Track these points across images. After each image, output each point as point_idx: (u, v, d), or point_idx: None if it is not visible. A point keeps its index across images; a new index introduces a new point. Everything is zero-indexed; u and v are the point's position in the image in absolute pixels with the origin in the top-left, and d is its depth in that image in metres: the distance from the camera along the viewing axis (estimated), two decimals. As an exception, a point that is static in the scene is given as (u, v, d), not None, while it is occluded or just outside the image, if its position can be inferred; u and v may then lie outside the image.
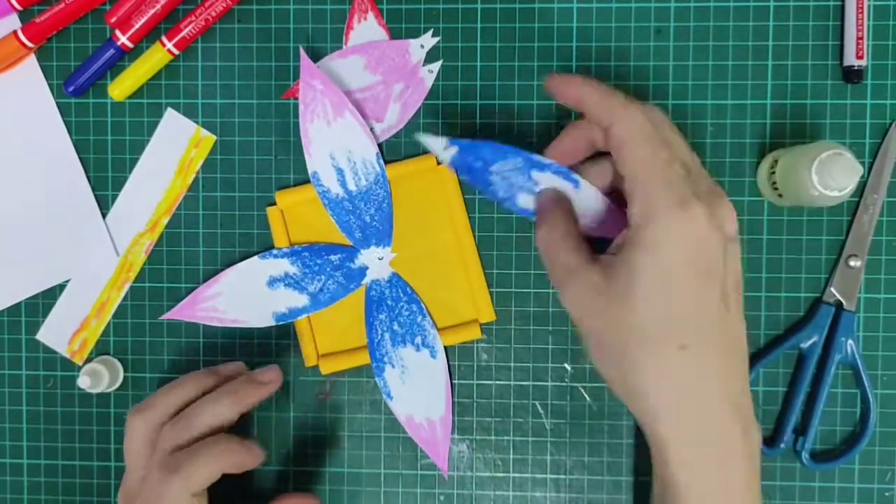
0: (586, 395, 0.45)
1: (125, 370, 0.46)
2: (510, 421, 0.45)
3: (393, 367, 0.44)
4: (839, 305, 0.43)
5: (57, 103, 0.46)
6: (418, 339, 0.44)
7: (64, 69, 0.46)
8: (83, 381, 0.43)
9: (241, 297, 0.44)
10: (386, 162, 0.43)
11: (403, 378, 0.44)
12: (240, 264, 0.44)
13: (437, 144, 0.38)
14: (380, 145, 0.45)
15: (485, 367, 0.45)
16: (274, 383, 0.41)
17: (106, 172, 0.46)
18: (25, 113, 0.46)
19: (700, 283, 0.33)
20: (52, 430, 0.47)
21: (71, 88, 0.45)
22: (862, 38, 0.42)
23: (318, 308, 0.44)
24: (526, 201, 0.39)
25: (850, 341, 0.43)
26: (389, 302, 0.44)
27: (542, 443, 0.45)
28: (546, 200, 0.38)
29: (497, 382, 0.45)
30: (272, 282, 0.44)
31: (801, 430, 0.44)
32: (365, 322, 0.44)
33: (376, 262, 0.44)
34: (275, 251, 0.44)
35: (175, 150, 0.46)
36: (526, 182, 0.39)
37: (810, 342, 0.43)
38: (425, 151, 0.44)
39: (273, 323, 0.44)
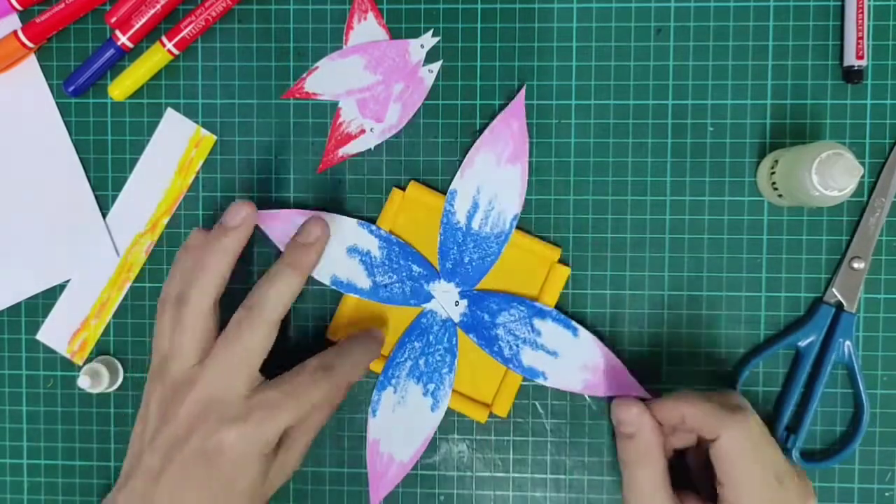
0: (586, 396, 0.45)
1: (125, 370, 0.46)
2: (510, 421, 0.45)
3: (395, 392, 0.44)
4: (839, 306, 0.43)
5: (57, 103, 0.46)
6: (431, 386, 0.43)
7: (64, 69, 0.46)
8: (83, 382, 0.43)
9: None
10: (517, 227, 0.43)
11: (396, 408, 0.44)
12: (338, 216, 0.44)
13: (449, 299, 0.43)
14: (380, 145, 0.45)
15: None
16: (321, 238, 0.41)
17: (106, 172, 0.46)
18: (25, 113, 0.46)
19: None
20: (52, 430, 0.47)
21: (71, 88, 0.45)
22: (862, 38, 0.42)
23: (372, 298, 0.44)
24: (530, 357, 0.43)
25: (847, 343, 0.43)
26: (431, 338, 0.44)
27: (542, 443, 0.45)
28: (636, 420, 0.39)
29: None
30: (352, 250, 0.43)
31: (792, 429, 0.44)
32: (398, 339, 0.44)
33: (447, 298, 0.43)
34: (374, 226, 0.44)
35: (175, 150, 0.46)
36: (529, 333, 0.43)
37: (808, 341, 0.43)
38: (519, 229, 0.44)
39: (327, 283, 0.43)
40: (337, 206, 0.45)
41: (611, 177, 0.44)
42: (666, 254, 0.44)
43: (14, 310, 0.47)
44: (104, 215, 0.46)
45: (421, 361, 0.43)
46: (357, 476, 0.46)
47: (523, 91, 0.43)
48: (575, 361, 0.43)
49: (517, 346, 0.43)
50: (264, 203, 0.45)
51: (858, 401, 0.43)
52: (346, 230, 0.44)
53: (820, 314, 0.43)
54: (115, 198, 0.46)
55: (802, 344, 0.43)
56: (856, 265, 0.43)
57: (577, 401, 0.45)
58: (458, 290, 0.43)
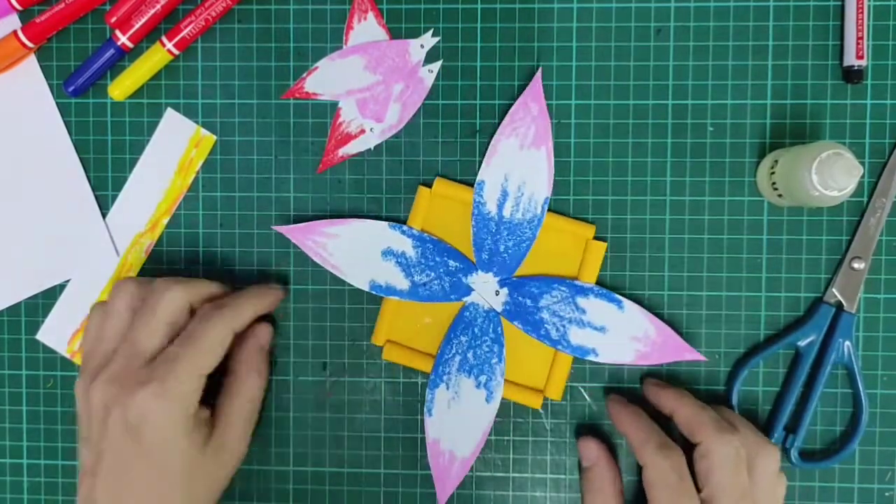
0: (586, 395, 0.45)
1: (125, 370, 0.46)
2: (510, 421, 0.45)
3: (447, 388, 0.43)
4: (839, 306, 0.43)
5: (57, 103, 0.46)
6: (483, 378, 0.43)
7: (64, 69, 0.46)
8: (83, 381, 0.43)
9: (354, 250, 0.44)
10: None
11: (451, 404, 0.43)
12: (368, 220, 0.44)
13: (489, 290, 0.43)
14: (379, 145, 0.45)
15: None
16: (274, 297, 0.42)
17: (106, 172, 0.46)
18: (25, 113, 0.46)
19: None
20: (52, 430, 0.47)
21: (71, 88, 0.45)
22: (862, 38, 0.42)
23: (412, 298, 0.43)
24: (578, 336, 0.43)
25: (847, 343, 0.43)
26: (476, 330, 0.43)
27: (542, 443, 0.45)
28: (594, 456, 0.42)
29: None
30: (386, 253, 0.43)
31: (791, 429, 0.44)
32: (444, 335, 0.44)
33: (486, 289, 0.43)
34: (405, 227, 0.43)
35: (175, 150, 0.46)
36: (574, 312, 0.42)
37: (807, 341, 0.43)
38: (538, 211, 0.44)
39: (367, 289, 0.43)
40: (337, 206, 0.45)
41: (611, 177, 0.44)
42: (666, 254, 0.44)
43: (14, 310, 0.47)
44: (104, 215, 0.46)
45: (469, 355, 0.43)
46: (355, 476, 0.46)
47: (539, 73, 0.43)
48: (624, 334, 0.42)
49: (563, 326, 0.42)
50: (264, 203, 0.45)
51: (858, 401, 0.43)
52: (378, 234, 0.44)
53: (820, 314, 0.43)
54: (115, 198, 0.46)
55: (802, 344, 0.43)
56: (856, 265, 0.43)
57: (577, 400, 0.45)
58: (497, 279, 0.43)
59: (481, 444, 0.43)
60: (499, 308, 0.43)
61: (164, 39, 0.44)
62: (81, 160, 0.46)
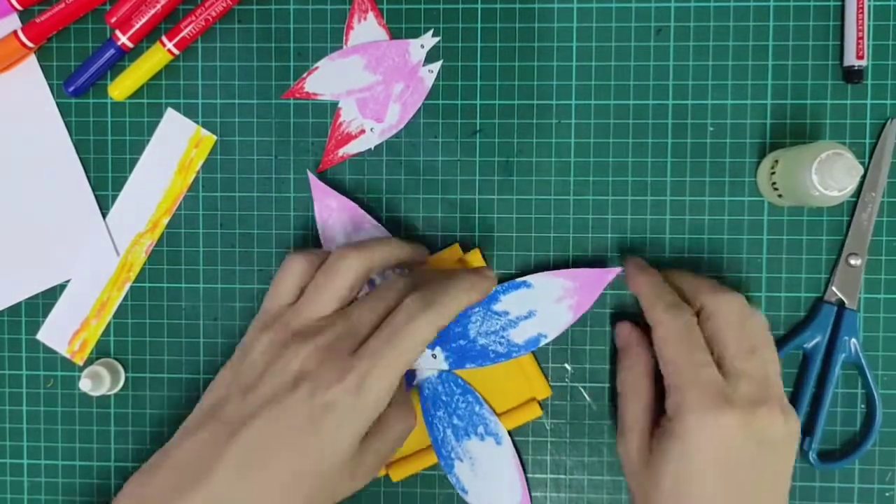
0: (586, 395, 0.45)
1: (125, 370, 0.46)
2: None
3: (461, 461, 0.43)
4: (841, 304, 0.43)
5: (57, 103, 0.46)
6: (480, 429, 0.43)
7: (64, 69, 0.46)
8: (84, 384, 0.43)
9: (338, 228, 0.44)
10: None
11: (475, 470, 0.43)
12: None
13: (424, 360, 0.43)
14: (379, 145, 0.45)
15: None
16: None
17: (106, 172, 0.46)
18: (25, 113, 0.46)
19: (724, 486, 0.35)
20: (52, 430, 0.47)
21: (71, 88, 0.45)
22: (862, 38, 0.42)
23: None
24: (520, 335, 0.42)
25: (853, 340, 0.43)
26: (444, 398, 0.43)
27: (542, 443, 0.45)
28: (626, 336, 0.42)
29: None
30: None
31: (807, 431, 0.43)
32: (424, 421, 0.43)
33: (424, 360, 0.43)
34: None
35: (175, 150, 0.46)
36: (499, 319, 0.42)
37: (814, 342, 0.43)
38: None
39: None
40: (337, 206, 0.45)
41: (611, 177, 0.44)
42: (666, 254, 0.44)
43: (14, 310, 0.47)
44: (104, 215, 0.46)
45: (455, 421, 0.43)
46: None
47: (311, 176, 0.44)
48: (549, 303, 0.42)
49: (503, 337, 0.42)
50: (264, 203, 0.45)
51: (870, 398, 0.43)
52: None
53: (822, 314, 0.43)
54: (115, 198, 0.46)
55: (808, 346, 0.43)
56: (853, 261, 0.43)
57: (577, 400, 0.45)
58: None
59: (524, 482, 0.44)
60: (445, 367, 0.43)
61: (164, 39, 0.44)
62: (81, 160, 0.46)
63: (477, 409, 0.43)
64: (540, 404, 0.44)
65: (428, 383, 0.43)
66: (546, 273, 0.42)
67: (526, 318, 0.42)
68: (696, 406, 0.35)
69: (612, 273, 0.42)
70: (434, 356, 0.43)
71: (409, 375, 0.43)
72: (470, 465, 0.43)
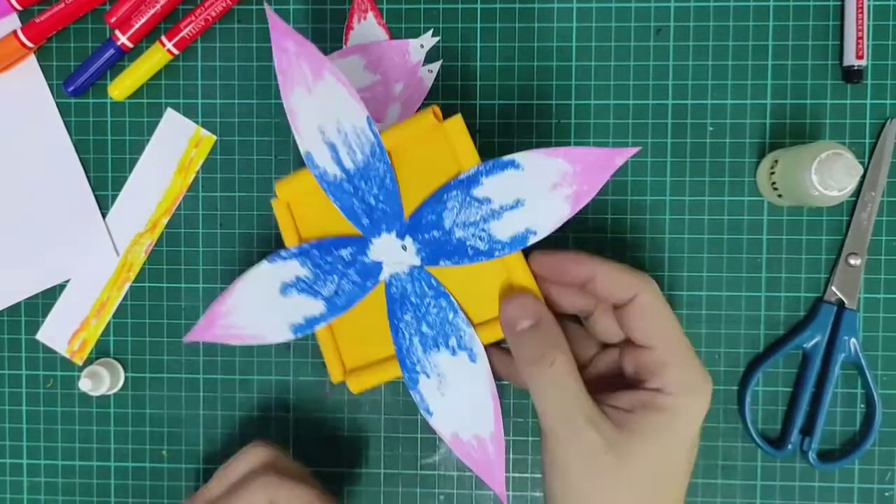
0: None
1: (125, 370, 0.46)
2: (510, 421, 0.45)
3: (428, 376, 0.37)
4: (841, 304, 0.43)
5: (57, 103, 0.46)
6: (453, 342, 0.36)
7: (64, 69, 0.46)
8: (84, 384, 0.43)
9: (257, 308, 0.38)
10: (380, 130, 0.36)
11: (442, 389, 0.37)
12: (248, 271, 0.38)
13: (394, 250, 0.37)
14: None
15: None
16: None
17: (106, 172, 0.46)
18: (25, 113, 0.46)
19: (688, 466, 0.34)
20: (52, 430, 0.47)
21: (71, 88, 0.45)
22: (862, 38, 0.42)
23: (336, 314, 0.38)
24: (504, 229, 0.35)
25: (853, 340, 0.43)
26: (413, 299, 0.37)
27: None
28: (526, 314, 0.35)
29: (497, 383, 0.45)
30: (285, 288, 0.38)
31: (807, 431, 0.43)
32: (390, 325, 0.37)
33: (392, 252, 0.37)
34: (282, 252, 0.38)
35: (175, 150, 0.46)
36: (480, 207, 0.35)
37: (813, 342, 0.43)
38: None
39: (292, 336, 0.38)
40: (337, 206, 0.45)
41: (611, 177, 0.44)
42: (666, 254, 0.44)
43: (14, 310, 0.47)
44: (104, 215, 0.46)
45: (424, 327, 0.37)
46: (357, 476, 0.46)
47: (268, 9, 0.37)
48: (542, 190, 0.35)
49: (484, 230, 0.35)
50: (264, 203, 0.45)
51: (870, 398, 0.43)
52: (264, 277, 0.38)
53: (822, 314, 0.43)
54: (115, 198, 0.46)
55: (808, 346, 0.43)
56: (852, 261, 0.43)
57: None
58: (393, 233, 0.37)
59: (497, 410, 0.36)
60: (417, 261, 0.37)
61: (164, 39, 0.44)
62: (81, 160, 0.46)
63: (451, 316, 0.36)
64: None
65: (395, 279, 0.37)
66: (539, 151, 0.34)
67: (512, 208, 0.35)
68: (704, 378, 0.33)
69: (623, 155, 0.34)
70: (404, 247, 0.37)
71: (376, 269, 0.37)
72: (437, 382, 0.37)
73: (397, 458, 0.45)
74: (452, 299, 0.36)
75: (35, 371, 0.47)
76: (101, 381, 0.44)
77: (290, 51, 0.36)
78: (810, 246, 0.44)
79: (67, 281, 0.46)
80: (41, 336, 0.47)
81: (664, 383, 0.33)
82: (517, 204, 0.35)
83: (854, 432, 0.44)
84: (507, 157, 0.35)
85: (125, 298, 0.46)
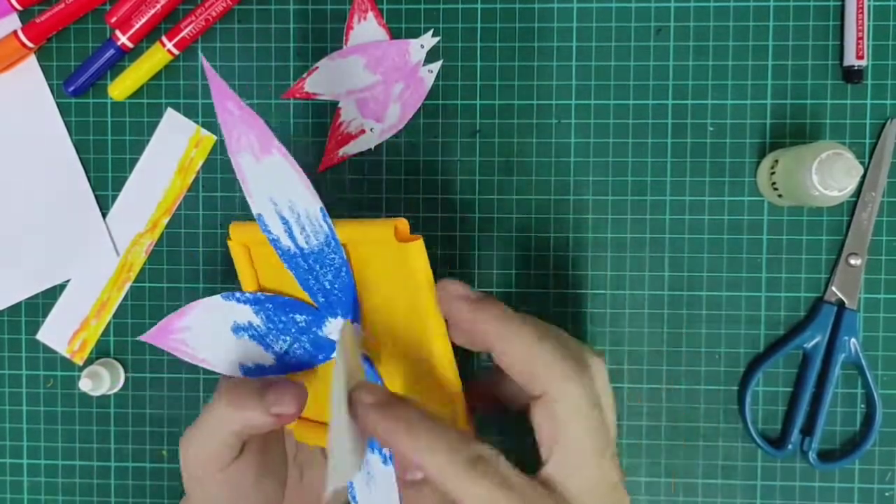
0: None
1: (125, 370, 0.46)
2: (510, 421, 0.45)
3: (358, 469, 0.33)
4: (841, 304, 0.43)
5: (57, 103, 0.46)
6: (386, 451, 0.33)
7: (64, 69, 0.46)
8: (84, 384, 0.43)
9: (210, 338, 0.37)
10: (335, 216, 0.32)
11: (370, 486, 0.34)
12: (205, 300, 0.36)
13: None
14: (379, 145, 0.45)
15: (485, 367, 0.45)
16: (292, 415, 0.32)
17: (106, 172, 0.46)
18: (25, 113, 0.46)
19: None
20: (52, 430, 0.47)
21: (71, 88, 0.45)
22: (862, 38, 0.42)
23: (285, 372, 0.36)
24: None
25: (853, 340, 0.43)
26: None
27: (542, 443, 0.45)
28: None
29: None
30: (237, 329, 0.36)
31: (807, 431, 0.44)
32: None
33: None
34: (238, 294, 0.36)
35: (175, 150, 0.46)
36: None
37: (814, 342, 0.43)
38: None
39: (240, 374, 0.36)
40: (337, 206, 0.45)
41: (611, 177, 0.44)
42: (666, 254, 0.44)
43: (14, 310, 0.47)
44: (104, 215, 0.46)
45: None
46: (357, 476, 0.46)
47: (203, 62, 0.31)
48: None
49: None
50: (264, 203, 0.45)
51: (870, 398, 0.43)
52: (218, 311, 0.36)
53: (822, 314, 0.43)
54: (115, 198, 0.46)
55: (808, 346, 0.43)
56: (853, 261, 0.43)
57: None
58: (349, 320, 0.34)
59: None
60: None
61: (164, 39, 0.44)
62: (81, 160, 0.46)
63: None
64: None
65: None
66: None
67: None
68: (598, 473, 0.29)
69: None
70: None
71: (330, 346, 0.35)
72: (366, 477, 0.34)
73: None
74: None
75: (35, 371, 0.47)
76: (101, 381, 0.44)
77: (235, 114, 0.31)
78: (810, 246, 0.44)
79: (67, 281, 0.46)
80: (41, 336, 0.47)
81: (537, 389, 0.29)
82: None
83: (854, 432, 0.44)
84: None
85: (125, 298, 0.46)
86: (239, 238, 0.36)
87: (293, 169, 0.31)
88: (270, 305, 0.35)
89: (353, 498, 0.35)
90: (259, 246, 0.35)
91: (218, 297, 0.36)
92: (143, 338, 0.38)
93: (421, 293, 0.32)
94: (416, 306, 0.32)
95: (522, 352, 0.28)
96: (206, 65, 0.31)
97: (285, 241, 0.33)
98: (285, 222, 0.32)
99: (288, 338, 0.35)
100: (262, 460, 0.35)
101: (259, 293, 0.36)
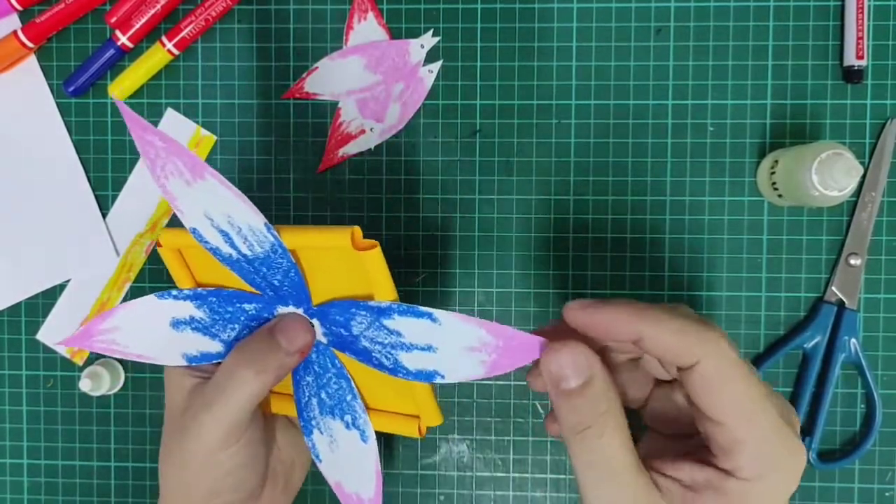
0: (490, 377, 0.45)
1: (125, 370, 0.46)
2: (510, 421, 0.45)
3: (321, 433, 0.37)
4: (841, 304, 0.43)
5: (57, 103, 0.46)
6: (348, 418, 0.36)
7: (64, 69, 0.46)
8: (84, 384, 0.43)
9: (145, 333, 0.36)
10: (279, 222, 0.33)
11: (332, 447, 0.37)
12: (133, 302, 0.36)
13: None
14: (379, 145, 0.45)
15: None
16: (307, 347, 0.34)
17: (106, 172, 0.46)
18: (25, 113, 0.46)
19: None
20: (52, 430, 0.47)
21: (71, 88, 0.45)
22: (862, 38, 0.42)
23: None
24: (412, 360, 0.32)
25: (853, 340, 0.43)
26: (317, 368, 0.36)
27: (542, 443, 0.45)
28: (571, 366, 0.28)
29: (497, 382, 0.45)
30: (177, 324, 0.36)
31: (807, 431, 0.44)
32: (291, 377, 0.37)
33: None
34: (174, 292, 0.35)
35: (175, 150, 0.46)
36: (390, 336, 0.32)
37: (814, 342, 0.43)
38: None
39: (184, 363, 0.36)
40: (337, 206, 0.45)
41: (611, 177, 0.44)
42: (666, 254, 0.44)
43: (14, 310, 0.47)
44: (104, 215, 0.46)
45: (323, 395, 0.36)
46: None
47: (118, 104, 0.31)
48: (456, 348, 0.31)
49: (391, 353, 0.33)
50: (265, 203, 0.45)
51: (870, 398, 0.43)
52: (153, 309, 0.36)
53: (822, 314, 0.43)
54: (115, 198, 0.46)
55: (808, 346, 0.43)
56: (853, 261, 0.43)
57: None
58: (302, 309, 0.34)
59: (380, 484, 0.36)
60: (323, 340, 0.35)
61: (164, 39, 0.44)
62: (81, 160, 0.46)
63: (349, 398, 0.36)
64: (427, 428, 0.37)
65: None
66: (461, 316, 0.31)
67: (423, 349, 0.32)
68: (785, 458, 0.28)
69: (548, 350, 0.29)
70: (311, 324, 0.35)
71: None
72: (329, 440, 0.37)
73: (397, 458, 0.45)
74: (353, 384, 0.36)
75: (35, 371, 0.47)
76: (101, 381, 0.44)
77: (157, 145, 0.31)
78: (810, 246, 0.44)
79: (67, 281, 0.46)
80: (41, 336, 0.47)
81: (736, 465, 0.27)
82: (429, 348, 0.32)
83: (854, 432, 0.44)
84: (424, 309, 0.31)
85: (125, 298, 0.46)
86: (170, 244, 0.36)
87: (229, 190, 0.31)
88: (214, 299, 0.35)
89: (317, 457, 0.37)
90: (193, 248, 0.35)
91: (152, 296, 0.35)
92: (63, 343, 0.37)
93: (381, 295, 0.33)
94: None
95: (670, 328, 0.28)
96: (121, 104, 0.30)
97: (226, 250, 0.33)
98: (225, 234, 0.32)
99: (237, 325, 0.35)
100: (260, 434, 0.36)
101: (198, 289, 0.35)
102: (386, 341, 0.33)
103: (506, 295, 0.45)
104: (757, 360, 0.44)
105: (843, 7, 0.43)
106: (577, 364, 0.28)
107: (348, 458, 0.36)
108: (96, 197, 0.46)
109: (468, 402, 0.45)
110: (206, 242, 0.33)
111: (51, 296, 0.46)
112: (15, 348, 0.47)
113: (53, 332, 0.46)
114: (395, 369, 0.33)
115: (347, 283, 0.33)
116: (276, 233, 0.32)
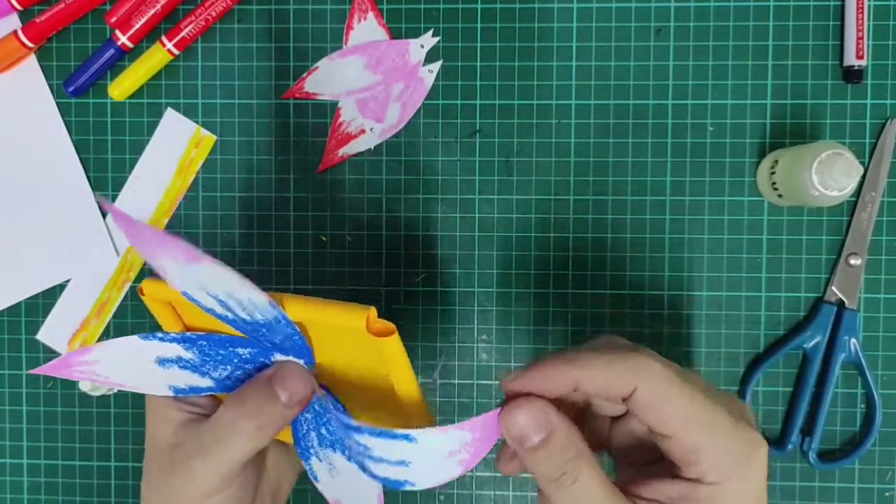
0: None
1: (125, 370, 0.46)
2: (510, 421, 0.45)
3: (320, 461, 0.35)
4: (841, 304, 0.43)
5: (57, 103, 0.46)
6: (349, 452, 0.33)
7: (64, 69, 0.46)
8: (84, 384, 0.43)
9: (128, 367, 0.33)
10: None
11: (332, 474, 0.35)
12: (114, 340, 0.33)
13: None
14: (379, 145, 0.45)
15: (485, 367, 0.45)
16: (304, 401, 0.32)
17: (106, 172, 0.46)
18: (25, 113, 0.46)
19: None
20: (52, 430, 0.47)
21: (71, 88, 0.45)
22: (862, 38, 0.42)
23: (226, 391, 0.34)
24: (379, 469, 0.30)
25: (853, 340, 0.43)
26: (317, 407, 0.34)
27: (542, 443, 0.45)
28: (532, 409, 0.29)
29: (497, 382, 0.45)
30: (163, 361, 0.33)
31: (807, 431, 0.44)
32: None
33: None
34: (159, 334, 0.32)
35: (175, 150, 0.46)
36: (358, 446, 0.30)
37: (814, 342, 0.43)
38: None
39: (170, 393, 0.34)
40: (337, 206, 0.45)
41: (611, 177, 0.44)
42: (666, 254, 0.44)
43: (14, 310, 0.47)
44: (104, 215, 0.46)
45: (323, 431, 0.34)
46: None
47: (105, 204, 0.27)
48: (434, 458, 0.30)
49: (358, 458, 0.31)
50: (264, 203, 0.45)
51: (870, 398, 0.43)
52: (138, 349, 0.33)
53: (822, 314, 0.43)
54: (115, 198, 0.46)
55: (808, 346, 0.43)
56: (853, 261, 0.43)
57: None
58: (302, 361, 0.33)
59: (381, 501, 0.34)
60: (319, 391, 0.33)
61: (164, 39, 0.44)
62: (81, 160, 0.46)
63: (355, 436, 0.31)
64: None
65: None
66: (442, 428, 0.29)
67: (395, 464, 0.30)
68: (743, 453, 0.28)
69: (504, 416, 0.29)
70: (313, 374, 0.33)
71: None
72: (328, 468, 0.35)
73: (397, 458, 0.45)
74: (358, 425, 0.31)
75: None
76: (101, 381, 0.44)
77: (152, 240, 0.28)
78: (810, 246, 0.44)
79: (67, 281, 0.46)
80: (41, 336, 0.47)
81: (702, 472, 0.28)
82: (401, 462, 0.30)
83: (854, 432, 0.44)
84: (400, 431, 0.29)
85: (125, 298, 0.46)
86: (155, 296, 0.33)
87: (230, 271, 0.28)
88: (205, 343, 0.33)
89: (315, 478, 0.35)
90: (173, 297, 0.32)
91: (135, 337, 0.32)
92: (39, 371, 0.33)
93: (400, 383, 0.31)
94: (387, 383, 0.31)
95: (598, 365, 0.28)
96: (113, 208, 0.26)
97: (220, 311, 0.30)
98: (223, 303, 0.30)
99: (229, 367, 0.33)
100: (254, 473, 0.35)
101: (187, 333, 0.33)
102: (354, 447, 0.30)
103: (506, 295, 0.45)
104: (757, 360, 0.44)
105: (843, 7, 0.43)
106: (536, 420, 0.28)
107: (349, 483, 0.35)
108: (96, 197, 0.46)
109: (468, 402, 0.45)
110: (198, 302, 0.30)
111: (51, 296, 0.46)
112: (15, 348, 0.47)
113: (53, 332, 0.46)
114: (362, 468, 0.31)
115: (360, 359, 0.32)
116: (280, 309, 0.30)
